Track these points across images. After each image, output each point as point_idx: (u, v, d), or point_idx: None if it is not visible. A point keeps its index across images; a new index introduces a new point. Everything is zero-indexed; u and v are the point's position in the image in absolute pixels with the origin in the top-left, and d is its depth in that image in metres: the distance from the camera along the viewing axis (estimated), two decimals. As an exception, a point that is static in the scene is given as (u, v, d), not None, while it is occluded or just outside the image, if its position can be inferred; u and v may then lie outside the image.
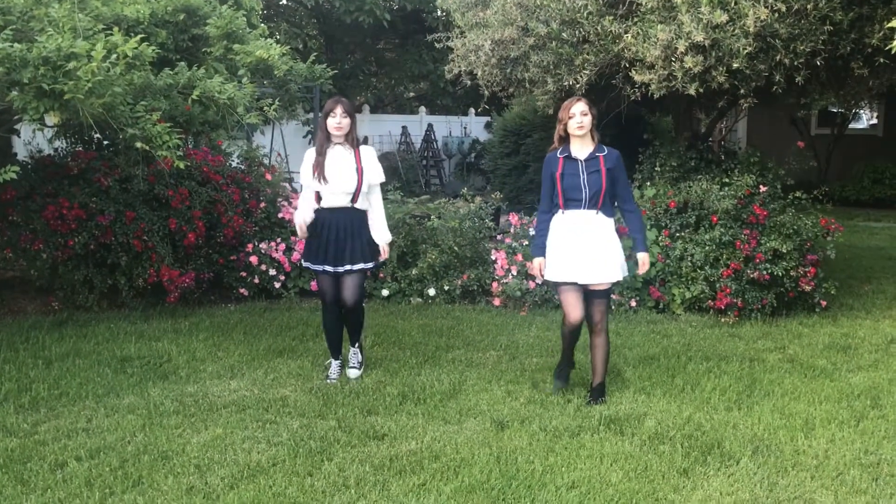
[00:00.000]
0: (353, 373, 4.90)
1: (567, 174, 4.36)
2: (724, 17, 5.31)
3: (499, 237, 7.42)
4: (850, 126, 14.99)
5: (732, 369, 5.03)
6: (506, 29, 6.41)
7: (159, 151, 5.00)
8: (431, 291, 6.83)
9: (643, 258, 4.48)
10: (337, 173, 4.63)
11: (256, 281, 6.81)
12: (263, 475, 3.53)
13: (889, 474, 3.60)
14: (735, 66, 5.49)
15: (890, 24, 4.61)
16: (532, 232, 6.26)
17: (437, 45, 7.62)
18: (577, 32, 6.07)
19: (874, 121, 16.04)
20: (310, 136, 14.16)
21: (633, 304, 6.51)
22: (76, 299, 6.35)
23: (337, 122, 4.62)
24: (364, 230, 4.76)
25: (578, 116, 4.31)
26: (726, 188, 6.56)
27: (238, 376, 4.89)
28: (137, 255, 6.26)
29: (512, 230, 7.10)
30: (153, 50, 5.20)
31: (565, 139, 4.42)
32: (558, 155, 4.41)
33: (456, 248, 6.98)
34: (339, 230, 4.68)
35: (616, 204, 4.51)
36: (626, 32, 5.79)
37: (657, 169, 7.35)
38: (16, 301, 6.62)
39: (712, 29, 5.39)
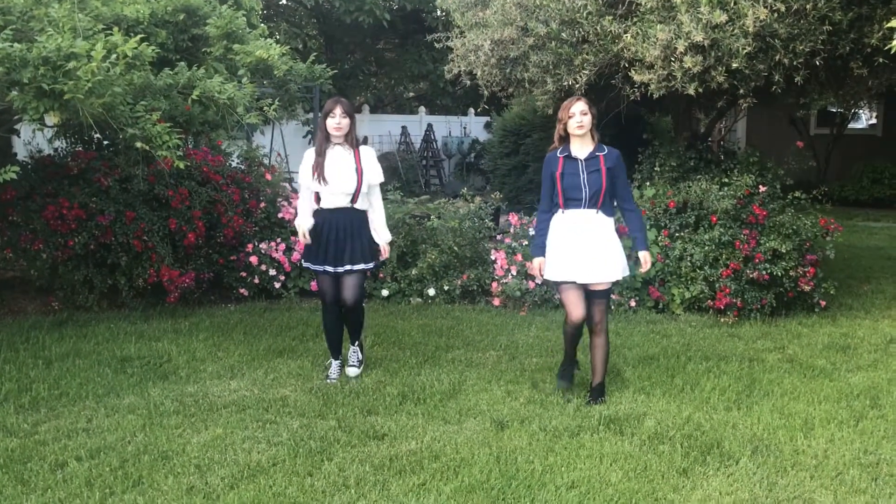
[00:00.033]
0: (352, 371, 4.90)
1: (567, 173, 4.36)
2: (724, 17, 5.32)
3: (498, 237, 7.42)
4: (850, 126, 14.99)
5: (732, 369, 5.04)
6: (505, 29, 6.41)
7: (159, 151, 5.00)
8: (431, 291, 6.83)
9: (645, 256, 4.48)
10: (336, 174, 4.63)
11: (256, 281, 6.81)
12: (263, 475, 3.53)
13: (888, 474, 3.60)
14: (734, 66, 5.49)
15: (889, 24, 4.62)
16: (532, 232, 6.27)
17: (436, 45, 7.63)
18: (576, 32, 6.08)
19: (873, 121, 16.05)
20: (309, 137, 14.16)
21: (633, 304, 6.52)
22: (76, 299, 6.35)
23: (336, 122, 4.62)
24: (364, 230, 4.77)
25: (578, 116, 4.32)
26: (726, 188, 6.56)
27: (238, 376, 4.89)
28: (137, 255, 6.26)
29: (511, 230, 7.11)
30: (153, 50, 5.20)
31: (565, 139, 4.42)
32: (558, 154, 4.41)
33: (456, 249, 6.98)
34: (339, 230, 4.68)
35: (616, 203, 4.52)
36: (625, 32, 5.79)
37: (656, 169, 7.36)
38: (16, 301, 6.62)
39: (711, 29, 5.39)
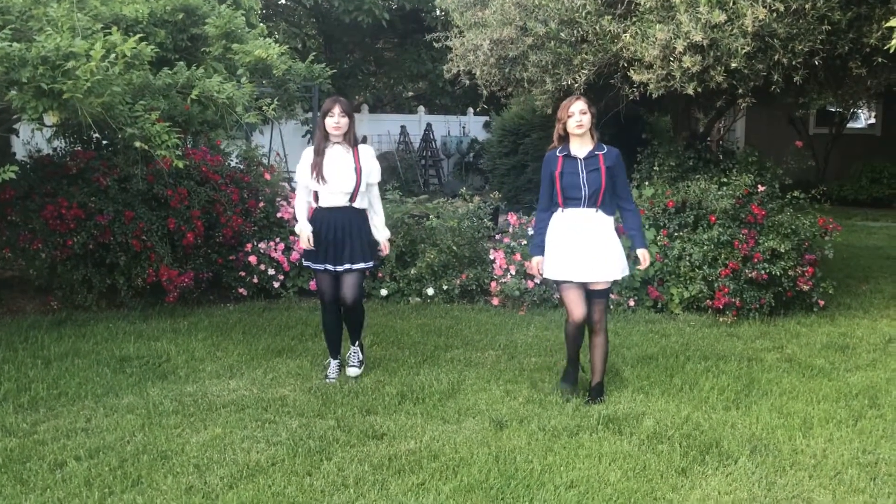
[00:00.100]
0: (352, 371, 4.90)
1: (566, 173, 4.36)
2: (723, 17, 5.32)
3: (497, 237, 7.42)
4: (848, 125, 15.01)
5: (731, 369, 5.04)
6: (504, 28, 6.41)
7: (158, 151, 5.00)
8: (430, 291, 6.83)
9: (643, 254, 4.48)
10: (335, 173, 4.63)
11: (255, 280, 6.81)
12: (262, 475, 3.53)
13: (887, 473, 3.61)
14: (733, 65, 5.49)
15: (888, 24, 4.62)
16: (531, 231, 6.27)
17: (435, 45, 7.62)
18: (575, 32, 6.08)
19: (872, 120, 16.05)
20: (308, 136, 14.16)
21: (632, 303, 6.52)
22: (75, 299, 6.35)
23: (335, 121, 4.62)
24: (363, 229, 4.77)
25: (577, 115, 4.32)
26: (724, 188, 6.57)
27: (237, 376, 4.89)
28: (136, 254, 6.26)
29: (510, 230, 7.11)
30: (152, 49, 5.20)
31: (564, 138, 4.42)
32: (557, 154, 4.42)
33: (454, 248, 6.98)
34: (338, 230, 4.68)
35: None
36: (624, 32, 5.80)
37: (655, 168, 7.36)
38: (15, 301, 6.62)
39: (710, 29, 5.39)
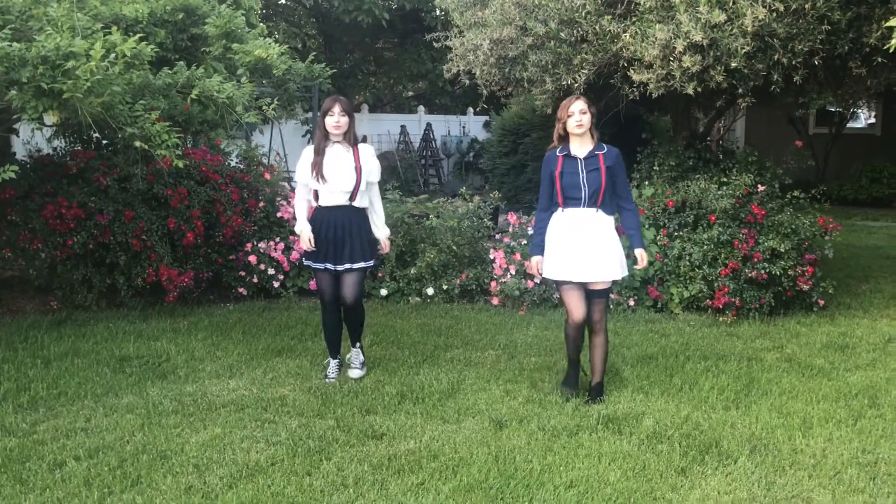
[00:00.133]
0: (355, 373, 4.89)
1: (566, 172, 4.36)
2: (723, 17, 5.32)
3: (497, 236, 7.42)
4: (848, 125, 15.00)
5: (730, 368, 5.04)
6: (504, 28, 6.41)
7: (158, 150, 5.00)
8: (430, 291, 6.83)
9: (640, 254, 4.48)
10: (335, 172, 4.63)
11: (255, 280, 6.81)
12: (262, 474, 3.53)
13: (886, 473, 3.61)
14: (733, 65, 5.49)
15: (888, 24, 4.62)
16: (531, 231, 6.27)
17: (435, 45, 7.62)
18: (575, 32, 6.08)
19: (872, 120, 16.06)
20: (308, 136, 14.16)
21: (632, 303, 6.52)
22: (75, 299, 6.35)
23: (335, 120, 4.62)
24: (363, 228, 4.77)
25: (577, 115, 4.32)
26: (724, 187, 6.57)
27: (237, 376, 4.89)
28: (136, 254, 6.26)
29: (510, 229, 7.11)
30: (152, 49, 5.20)
31: (564, 138, 4.42)
32: (557, 153, 4.41)
33: (454, 248, 6.98)
34: (338, 229, 4.68)
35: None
36: (624, 32, 5.80)
37: (655, 168, 7.36)
38: (14, 300, 6.62)
39: (710, 28, 5.39)
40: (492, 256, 6.92)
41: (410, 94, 20.71)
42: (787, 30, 5.47)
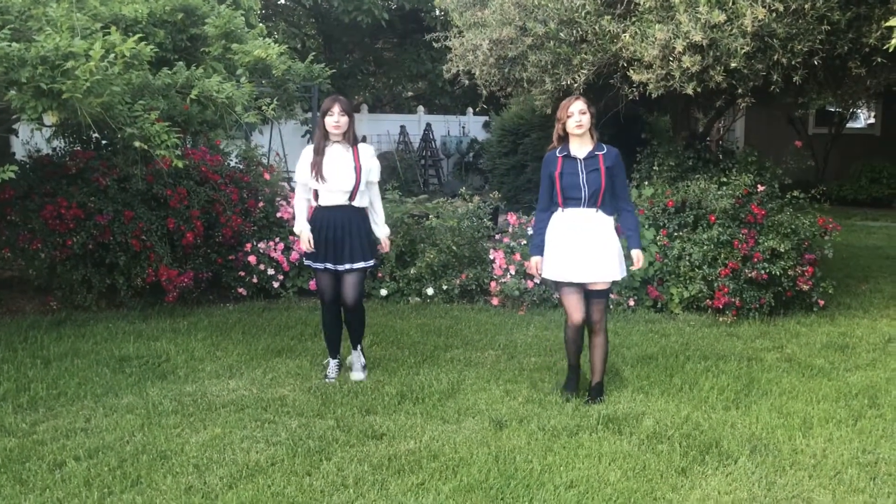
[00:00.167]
0: (357, 376, 4.86)
1: (566, 173, 4.36)
2: (722, 17, 5.32)
3: (497, 237, 7.42)
4: (848, 125, 15.01)
5: (730, 368, 5.04)
6: (504, 28, 6.41)
7: (158, 151, 5.00)
8: (430, 291, 6.83)
9: (637, 254, 4.49)
10: (335, 172, 4.63)
11: (255, 280, 6.81)
12: (262, 475, 3.53)
13: (887, 473, 3.60)
14: (733, 65, 5.49)
15: (887, 24, 4.62)
16: (530, 231, 6.27)
17: (435, 45, 7.62)
18: (574, 32, 6.07)
19: (871, 120, 16.06)
20: (308, 136, 14.15)
21: (632, 303, 6.52)
22: (74, 299, 6.35)
23: (335, 120, 4.61)
24: (363, 228, 4.77)
25: (577, 115, 4.32)
26: (724, 188, 6.57)
27: (237, 376, 4.89)
28: (136, 254, 6.26)
29: (510, 230, 7.11)
30: (151, 49, 5.20)
31: (564, 138, 4.42)
32: (557, 154, 4.41)
33: (454, 248, 6.98)
34: (337, 228, 4.68)
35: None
36: (623, 32, 5.80)
37: (655, 168, 7.36)
38: (14, 301, 6.61)
39: (710, 29, 5.39)
40: (491, 256, 6.92)
41: (410, 94, 20.71)
42: (786, 30, 5.47)
